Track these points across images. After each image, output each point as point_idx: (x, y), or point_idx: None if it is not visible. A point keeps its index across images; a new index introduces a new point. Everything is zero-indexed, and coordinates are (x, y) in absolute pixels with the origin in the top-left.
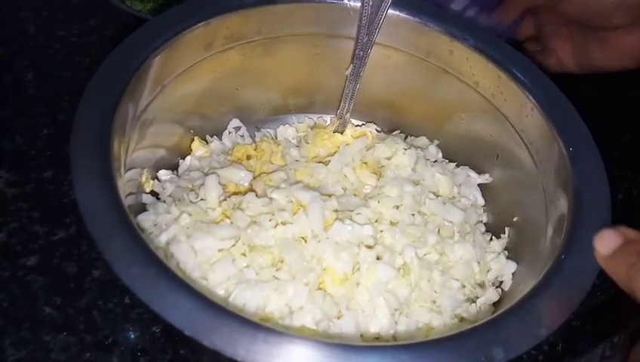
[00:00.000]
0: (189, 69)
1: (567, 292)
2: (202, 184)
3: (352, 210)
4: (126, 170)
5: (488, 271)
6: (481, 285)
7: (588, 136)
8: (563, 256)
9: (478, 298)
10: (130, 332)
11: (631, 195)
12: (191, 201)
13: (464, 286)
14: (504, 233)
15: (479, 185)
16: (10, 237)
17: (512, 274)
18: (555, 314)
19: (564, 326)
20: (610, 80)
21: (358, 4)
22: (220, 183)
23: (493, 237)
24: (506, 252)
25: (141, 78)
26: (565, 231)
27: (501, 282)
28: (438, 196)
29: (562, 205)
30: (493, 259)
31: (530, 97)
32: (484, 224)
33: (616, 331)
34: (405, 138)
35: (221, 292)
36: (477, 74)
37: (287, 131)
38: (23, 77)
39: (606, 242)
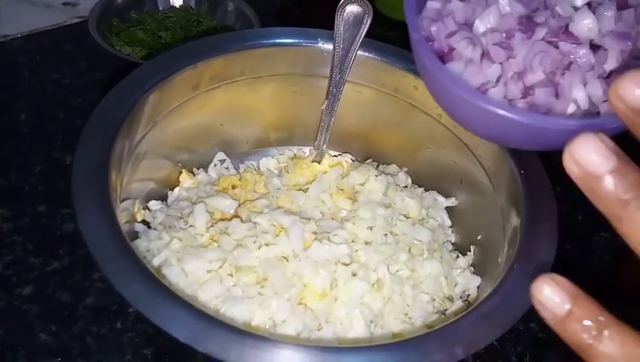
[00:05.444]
0: (178, 107)
1: (518, 296)
2: (191, 212)
3: (330, 232)
4: (121, 201)
5: (455, 285)
6: (450, 298)
7: (536, 159)
8: (515, 266)
9: (447, 310)
10: (123, 356)
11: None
12: (181, 228)
13: (434, 300)
14: (470, 251)
15: (446, 207)
16: (6, 269)
17: (477, 287)
18: (509, 315)
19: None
20: None
21: (331, 47)
22: (207, 211)
23: (460, 254)
24: (471, 268)
25: (135, 115)
26: (518, 244)
27: (468, 295)
28: (408, 218)
29: (515, 221)
30: (460, 274)
31: None
32: (453, 244)
33: None
34: (377, 166)
35: (210, 309)
36: (439, 107)
37: (269, 162)
38: (18, 118)
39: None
